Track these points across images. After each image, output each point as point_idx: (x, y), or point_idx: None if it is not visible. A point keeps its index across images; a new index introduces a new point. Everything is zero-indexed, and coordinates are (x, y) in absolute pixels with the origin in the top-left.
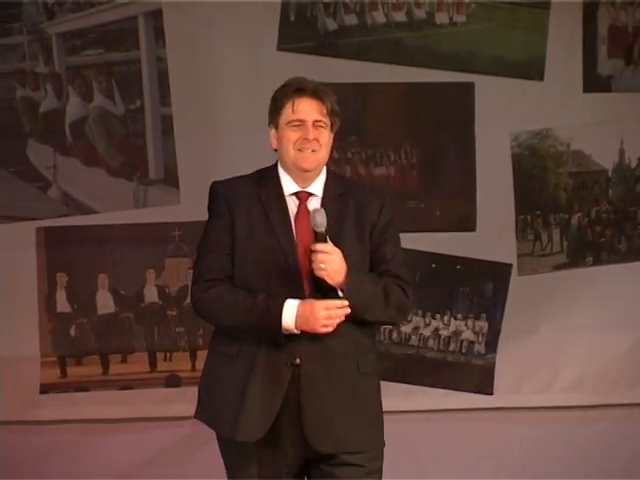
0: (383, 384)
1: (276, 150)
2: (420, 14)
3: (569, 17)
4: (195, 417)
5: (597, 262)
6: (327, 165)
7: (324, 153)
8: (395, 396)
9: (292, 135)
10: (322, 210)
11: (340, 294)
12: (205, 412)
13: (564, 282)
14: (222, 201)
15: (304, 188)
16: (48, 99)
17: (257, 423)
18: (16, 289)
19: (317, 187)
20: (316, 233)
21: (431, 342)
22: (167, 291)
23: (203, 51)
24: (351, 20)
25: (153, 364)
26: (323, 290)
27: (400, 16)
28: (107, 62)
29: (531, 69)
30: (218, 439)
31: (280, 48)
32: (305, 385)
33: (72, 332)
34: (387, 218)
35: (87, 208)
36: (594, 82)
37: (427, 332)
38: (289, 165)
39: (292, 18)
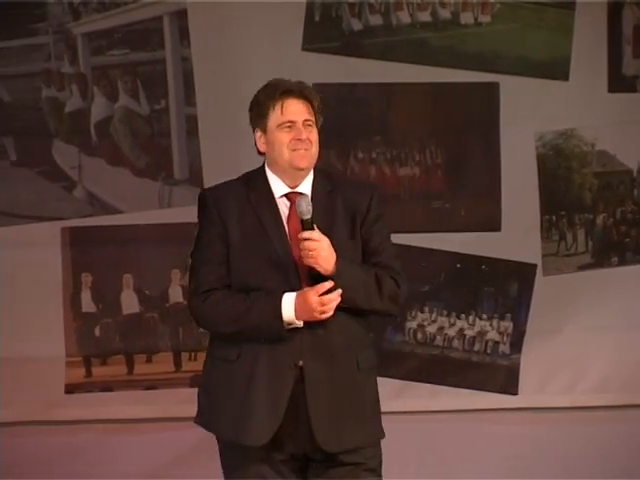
0: (408, 384)
1: (262, 153)
2: (445, 14)
3: (594, 17)
4: (195, 422)
5: (622, 262)
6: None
7: (315, 150)
8: (420, 396)
9: (284, 137)
10: (307, 197)
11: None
12: (205, 417)
13: (589, 282)
14: (213, 208)
15: (293, 188)
16: (73, 99)
17: (264, 427)
18: (41, 289)
19: (306, 186)
20: (303, 221)
21: (456, 342)
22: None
23: (228, 51)
24: (376, 20)
25: (178, 364)
26: (319, 282)
27: (425, 16)
28: (132, 62)
29: (556, 69)
30: (219, 442)
31: (305, 48)
32: (309, 386)
33: (97, 332)
34: (376, 212)
35: (112, 208)
36: (619, 82)
37: (452, 332)
38: (283, 166)
39: (317, 18)
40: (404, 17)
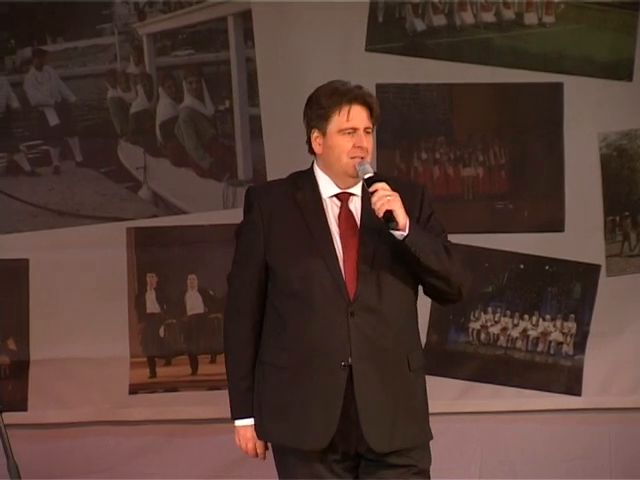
0: (472, 385)
1: (315, 154)
2: (509, 15)
3: None
4: None
5: None
6: None
7: (370, 159)
8: (483, 397)
9: (345, 143)
10: (364, 163)
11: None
12: (257, 423)
13: None
14: (257, 209)
15: (345, 189)
16: (139, 100)
17: (322, 431)
18: (107, 289)
19: (357, 187)
20: (369, 180)
21: (519, 343)
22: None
23: (291, 52)
24: (440, 21)
25: None
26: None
27: (489, 17)
28: (197, 63)
29: (620, 70)
30: (273, 448)
31: (368, 49)
32: (358, 387)
33: (161, 332)
34: (428, 211)
35: (177, 209)
36: None
37: (515, 333)
38: (337, 172)
39: (380, 19)
40: (468, 17)
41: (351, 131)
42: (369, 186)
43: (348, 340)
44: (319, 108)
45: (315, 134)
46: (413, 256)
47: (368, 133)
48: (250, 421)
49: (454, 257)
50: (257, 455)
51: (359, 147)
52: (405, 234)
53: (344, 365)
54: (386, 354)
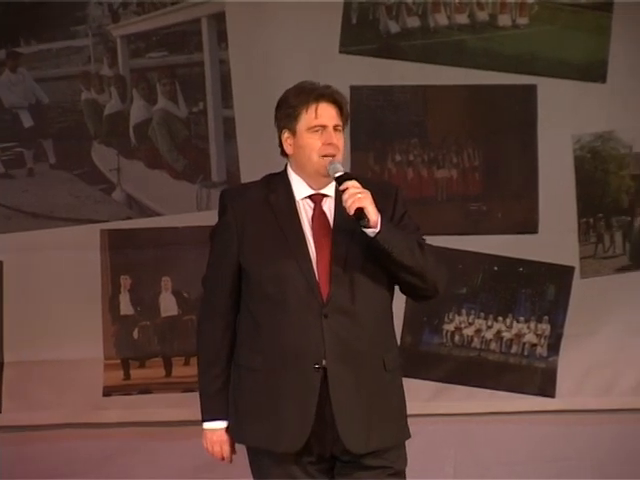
0: (446, 386)
1: (287, 155)
2: (483, 16)
3: (632, 19)
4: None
5: None
6: None
7: (340, 157)
8: (457, 399)
9: (315, 141)
10: (335, 161)
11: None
12: (232, 426)
13: (626, 285)
14: (231, 211)
15: (318, 190)
16: (112, 102)
17: (297, 433)
18: (81, 291)
19: (330, 188)
20: (338, 178)
21: (493, 345)
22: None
23: (265, 53)
24: (413, 22)
25: None
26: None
27: (462, 18)
28: (171, 65)
29: (594, 71)
30: (247, 448)
31: (342, 50)
32: (333, 388)
33: (135, 335)
34: (401, 210)
35: (150, 210)
36: None
37: (489, 335)
38: (309, 171)
39: (354, 20)
40: (441, 19)
41: (320, 129)
42: (340, 184)
43: (322, 342)
44: (287, 108)
45: (286, 134)
46: (386, 253)
47: (338, 131)
48: (219, 424)
49: (428, 253)
50: (224, 459)
51: (329, 144)
52: (377, 231)
53: (318, 367)
54: (361, 355)
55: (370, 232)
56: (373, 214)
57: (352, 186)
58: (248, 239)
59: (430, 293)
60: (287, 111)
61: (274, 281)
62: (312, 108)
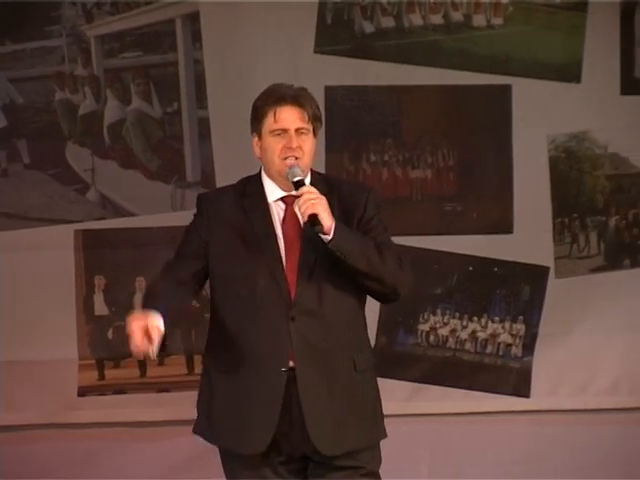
0: (421, 387)
1: (260, 158)
2: (457, 16)
3: (606, 19)
4: (193, 431)
5: (634, 264)
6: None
7: (307, 160)
8: (432, 399)
9: (275, 144)
10: (295, 166)
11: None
12: (203, 427)
13: (601, 285)
14: (204, 212)
15: (289, 192)
16: (87, 102)
17: (260, 435)
18: (54, 291)
19: None
20: (296, 183)
21: (468, 345)
22: (204, 293)
23: (240, 53)
24: (388, 23)
25: (190, 367)
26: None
27: (437, 19)
28: (145, 65)
29: (568, 71)
30: (220, 451)
31: (317, 51)
32: (302, 389)
33: (110, 335)
34: (372, 212)
35: (125, 211)
36: (632, 85)
37: (464, 335)
38: (274, 174)
39: (329, 21)
40: (416, 19)
41: (280, 132)
42: (297, 189)
43: (290, 344)
44: (254, 111)
45: (255, 138)
46: (340, 259)
47: (302, 134)
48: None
49: (387, 256)
50: (139, 345)
51: (288, 148)
52: (329, 238)
53: (284, 370)
54: (330, 357)
55: (325, 238)
56: (327, 220)
57: (307, 192)
58: (220, 241)
59: (392, 297)
60: (254, 114)
61: (243, 282)
62: (272, 111)
